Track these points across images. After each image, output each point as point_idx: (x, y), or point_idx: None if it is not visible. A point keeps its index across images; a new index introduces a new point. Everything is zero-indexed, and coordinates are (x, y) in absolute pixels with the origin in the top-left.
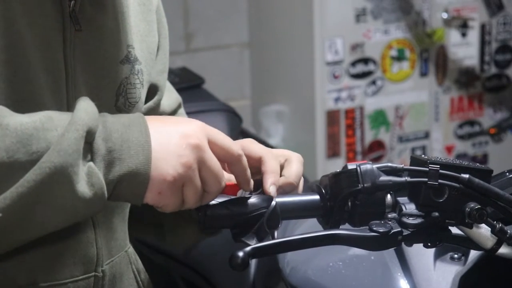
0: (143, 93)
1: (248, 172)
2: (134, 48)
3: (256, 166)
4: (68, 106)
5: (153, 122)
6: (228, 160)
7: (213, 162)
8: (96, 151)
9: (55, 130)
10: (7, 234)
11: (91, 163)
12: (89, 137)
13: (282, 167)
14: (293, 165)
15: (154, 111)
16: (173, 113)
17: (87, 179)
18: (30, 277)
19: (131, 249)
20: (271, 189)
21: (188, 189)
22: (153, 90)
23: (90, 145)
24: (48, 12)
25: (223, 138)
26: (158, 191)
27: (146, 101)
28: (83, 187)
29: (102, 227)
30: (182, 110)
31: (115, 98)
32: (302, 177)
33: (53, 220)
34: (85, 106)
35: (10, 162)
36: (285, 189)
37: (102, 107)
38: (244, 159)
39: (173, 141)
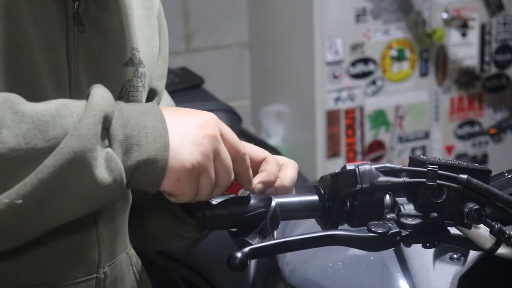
0: (144, 96)
1: (251, 171)
2: (139, 51)
3: (257, 167)
4: None
5: (168, 111)
6: (235, 158)
7: (226, 155)
8: (113, 136)
9: (70, 116)
10: (27, 222)
11: (109, 149)
12: (106, 123)
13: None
14: (289, 170)
15: None
16: None
17: (106, 164)
18: (32, 279)
19: (132, 251)
20: (257, 186)
21: (204, 178)
22: (151, 95)
23: (107, 131)
24: (53, 13)
25: (231, 134)
26: (176, 178)
27: None
28: (102, 173)
29: (104, 229)
30: None
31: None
32: (294, 182)
33: (73, 207)
34: (100, 93)
35: (27, 148)
36: (278, 192)
37: None
38: (248, 158)
39: (191, 130)
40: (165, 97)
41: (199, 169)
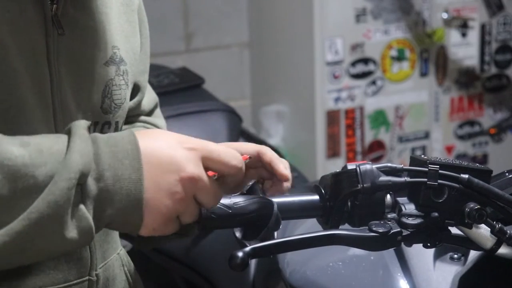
0: (128, 93)
1: (242, 179)
2: (119, 49)
3: (254, 162)
4: (54, 110)
5: (148, 151)
6: (228, 174)
7: (209, 187)
8: (87, 192)
9: (44, 166)
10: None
11: (81, 206)
12: (81, 179)
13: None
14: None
15: (135, 110)
16: (151, 112)
17: (77, 223)
18: (24, 283)
19: (123, 251)
20: (287, 172)
21: (184, 216)
22: (134, 90)
23: (82, 187)
24: (31, 18)
25: (221, 154)
26: (152, 228)
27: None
28: (71, 233)
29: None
30: (158, 110)
31: (101, 100)
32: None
33: (39, 258)
34: (80, 145)
35: None
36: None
37: (88, 110)
38: (243, 168)
39: (166, 176)
40: (148, 91)
41: (175, 214)
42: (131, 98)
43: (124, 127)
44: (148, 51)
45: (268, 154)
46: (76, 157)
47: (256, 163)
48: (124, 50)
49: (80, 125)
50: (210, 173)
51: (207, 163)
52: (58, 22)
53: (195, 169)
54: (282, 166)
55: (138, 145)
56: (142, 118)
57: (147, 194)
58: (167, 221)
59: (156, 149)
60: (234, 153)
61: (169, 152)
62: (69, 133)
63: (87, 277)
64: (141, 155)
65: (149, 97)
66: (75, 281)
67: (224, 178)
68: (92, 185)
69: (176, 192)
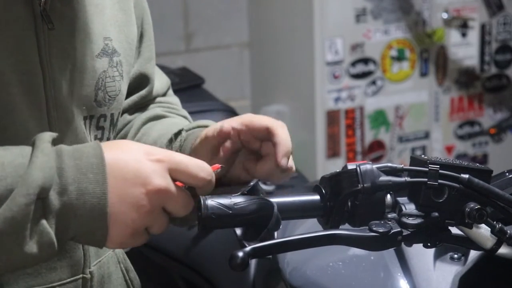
0: (123, 85)
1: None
2: (111, 39)
3: (264, 136)
4: (48, 107)
5: (114, 163)
6: (197, 186)
7: (177, 198)
8: (49, 207)
9: (4, 179)
10: None
11: (43, 221)
12: (43, 193)
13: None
14: (283, 133)
15: (147, 98)
16: (165, 94)
17: (38, 238)
18: (17, 282)
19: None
20: (283, 161)
21: (153, 228)
22: (143, 79)
23: (43, 201)
24: (19, 14)
25: (188, 166)
26: (119, 242)
27: (138, 90)
28: (31, 248)
29: None
30: (170, 91)
31: (94, 93)
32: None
33: (3, 271)
34: (42, 162)
35: None
36: (286, 154)
37: (82, 104)
38: (213, 180)
39: (133, 190)
40: (159, 75)
41: (143, 227)
42: (142, 87)
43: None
44: (153, 37)
45: (278, 137)
46: (36, 172)
47: (266, 137)
48: (118, 41)
49: (44, 138)
50: (179, 183)
51: (175, 174)
52: (47, 17)
53: (161, 181)
54: (282, 153)
55: (104, 158)
56: (158, 99)
57: (112, 208)
58: (134, 234)
59: (122, 162)
60: (202, 165)
61: (135, 165)
62: (33, 146)
63: (81, 275)
64: (106, 168)
65: (162, 81)
66: (68, 280)
67: (194, 188)
68: (54, 199)
69: (142, 206)
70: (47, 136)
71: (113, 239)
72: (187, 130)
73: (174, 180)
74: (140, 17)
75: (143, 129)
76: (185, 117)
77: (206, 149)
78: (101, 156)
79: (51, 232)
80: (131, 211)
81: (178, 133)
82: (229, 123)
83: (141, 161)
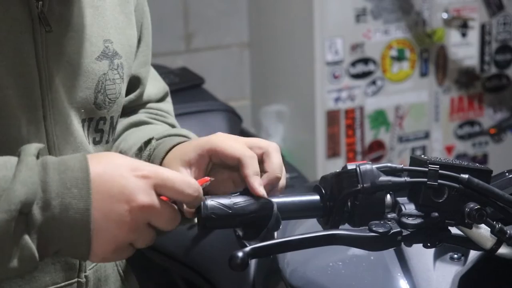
0: (123, 87)
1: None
2: (112, 42)
3: (234, 165)
4: (44, 110)
5: (98, 177)
6: (183, 202)
7: (162, 214)
8: (32, 222)
9: None
10: None
11: (25, 236)
12: (26, 208)
13: (260, 159)
14: (273, 157)
15: (136, 102)
16: (160, 101)
17: (19, 253)
18: (10, 286)
19: None
20: (260, 190)
21: (137, 243)
22: (135, 82)
23: (26, 216)
24: (16, 16)
25: (175, 183)
26: (102, 257)
27: (128, 93)
28: (12, 263)
29: None
30: (169, 99)
31: (94, 96)
32: (283, 167)
33: None
34: (25, 177)
35: None
36: (272, 184)
37: (81, 107)
38: (201, 196)
39: (115, 206)
40: (156, 80)
41: (126, 243)
42: (132, 90)
43: (124, 118)
44: (150, 42)
45: (248, 169)
46: (18, 188)
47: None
48: (119, 43)
49: (30, 151)
50: (165, 198)
51: (160, 190)
52: (45, 19)
53: (145, 198)
54: (257, 183)
55: (89, 173)
56: (149, 105)
57: (95, 224)
58: (117, 250)
59: (107, 177)
60: (189, 181)
61: (120, 181)
62: (18, 158)
63: (75, 279)
64: (90, 183)
65: (157, 86)
66: (62, 284)
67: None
68: (37, 214)
69: (125, 222)
70: (32, 149)
71: (96, 254)
72: (157, 139)
73: (159, 195)
74: (139, 20)
75: (124, 134)
76: (172, 125)
77: (178, 165)
78: (87, 170)
79: (33, 247)
80: (114, 227)
81: (148, 141)
82: (197, 152)
83: (126, 177)
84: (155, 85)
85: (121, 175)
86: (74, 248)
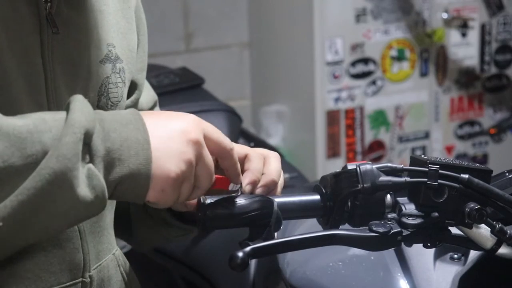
0: (125, 91)
1: (238, 165)
2: (114, 46)
3: (240, 165)
4: (49, 109)
5: (149, 118)
6: (221, 155)
7: (209, 158)
8: (95, 152)
9: (49, 131)
10: (8, 242)
11: (90, 165)
12: (87, 138)
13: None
14: (272, 163)
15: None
16: (150, 110)
17: (88, 181)
18: (16, 285)
19: (118, 251)
20: (247, 188)
21: (185, 185)
22: (132, 88)
23: (88, 146)
24: (24, 16)
25: (216, 132)
26: (161, 189)
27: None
28: (84, 191)
29: (89, 232)
30: (157, 109)
31: (97, 98)
32: (282, 174)
33: (54, 226)
34: (80, 106)
35: (5, 166)
36: (269, 187)
37: None
38: (235, 153)
39: (174, 137)
40: (147, 89)
41: (183, 178)
42: (129, 96)
43: None
44: (146, 49)
45: (251, 164)
46: (78, 115)
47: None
48: (120, 48)
49: (78, 96)
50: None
51: (205, 139)
52: (53, 21)
53: (199, 135)
54: (248, 180)
55: (138, 113)
56: None
57: (156, 152)
58: (175, 184)
59: (157, 115)
60: (225, 136)
61: (173, 117)
62: (68, 105)
63: (80, 279)
64: (144, 119)
65: (148, 95)
66: (67, 283)
67: (219, 160)
68: (99, 144)
69: (183, 152)
70: (80, 96)
71: (156, 186)
72: None
73: None
74: (137, 26)
75: None
76: None
77: None
78: (135, 111)
79: (100, 175)
80: (174, 155)
81: None
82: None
83: (179, 116)
84: (148, 93)
85: (172, 114)
86: (134, 180)
